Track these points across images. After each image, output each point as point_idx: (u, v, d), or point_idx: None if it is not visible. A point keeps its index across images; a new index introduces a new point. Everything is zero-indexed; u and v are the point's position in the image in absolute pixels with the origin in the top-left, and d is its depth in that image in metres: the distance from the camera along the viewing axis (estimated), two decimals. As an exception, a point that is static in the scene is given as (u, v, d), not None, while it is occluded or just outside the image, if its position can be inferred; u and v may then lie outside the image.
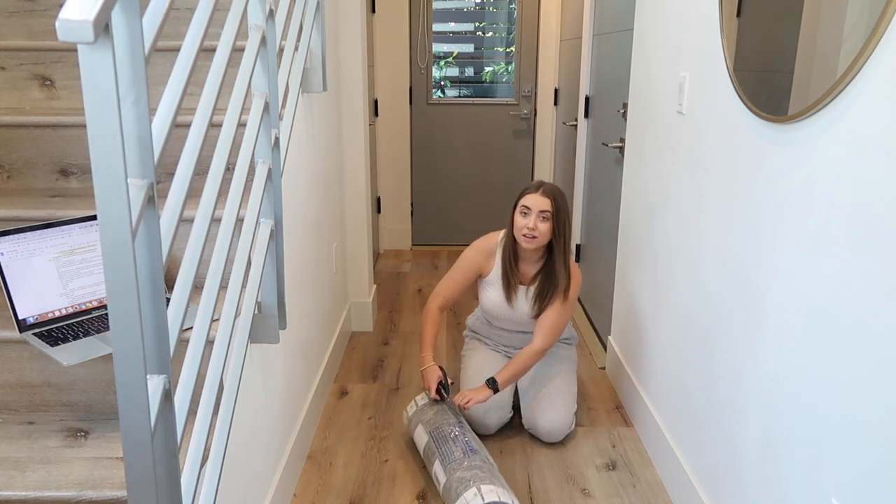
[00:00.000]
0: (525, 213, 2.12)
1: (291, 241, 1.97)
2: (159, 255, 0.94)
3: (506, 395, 2.28)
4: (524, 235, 2.11)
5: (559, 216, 2.11)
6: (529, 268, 2.25)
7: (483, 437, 2.27)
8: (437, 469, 1.94)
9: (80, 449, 1.30)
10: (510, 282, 2.23)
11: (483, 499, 1.76)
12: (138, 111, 0.87)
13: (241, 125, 1.70)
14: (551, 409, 2.20)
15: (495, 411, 2.23)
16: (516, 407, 2.40)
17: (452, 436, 2.01)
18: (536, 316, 2.24)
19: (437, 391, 2.18)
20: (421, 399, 2.23)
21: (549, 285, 2.20)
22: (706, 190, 1.73)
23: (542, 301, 2.21)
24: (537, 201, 2.10)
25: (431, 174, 4.49)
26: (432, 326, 2.29)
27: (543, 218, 2.10)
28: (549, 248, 2.19)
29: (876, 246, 1.04)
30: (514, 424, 2.35)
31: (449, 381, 2.20)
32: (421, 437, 2.09)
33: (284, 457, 1.89)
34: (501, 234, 2.29)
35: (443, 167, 4.48)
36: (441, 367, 2.23)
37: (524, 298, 2.25)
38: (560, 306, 2.20)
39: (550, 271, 2.19)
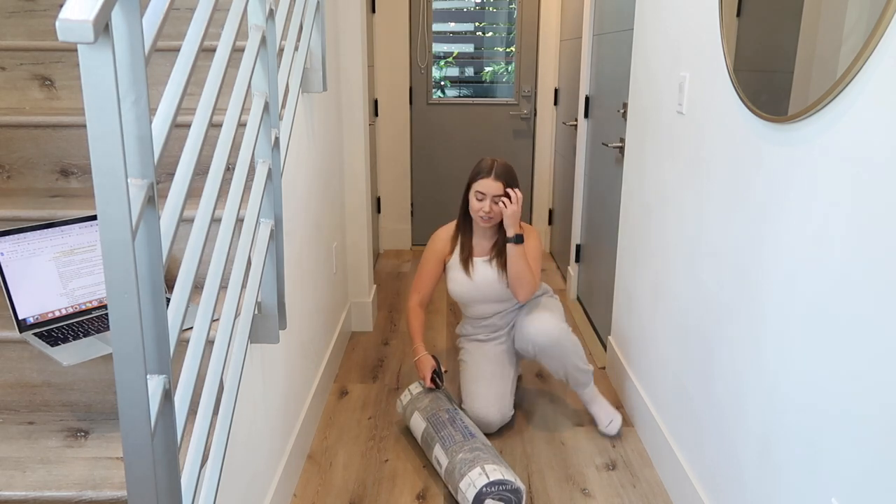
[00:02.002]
0: (480, 198, 2.24)
1: (291, 241, 1.97)
2: (159, 255, 0.94)
3: (507, 390, 2.28)
4: (481, 217, 2.25)
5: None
6: (485, 241, 2.35)
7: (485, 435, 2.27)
8: (438, 452, 1.95)
9: (80, 449, 1.30)
10: (466, 254, 2.34)
11: (488, 477, 1.77)
12: (138, 111, 0.87)
13: (241, 125, 1.70)
14: (540, 318, 2.23)
15: (497, 406, 2.24)
16: (517, 406, 2.40)
17: (451, 420, 2.04)
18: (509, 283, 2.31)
19: (432, 380, 2.22)
20: (415, 388, 2.27)
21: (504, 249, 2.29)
22: (706, 190, 1.73)
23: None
24: (490, 186, 2.23)
25: (431, 174, 4.49)
26: (417, 320, 2.40)
27: (497, 201, 2.23)
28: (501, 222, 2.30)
29: (875, 245, 1.04)
30: (515, 425, 2.35)
31: (443, 369, 2.23)
32: (418, 424, 2.12)
33: (284, 457, 1.89)
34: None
35: (443, 167, 4.47)
36: (434, 357, 2.28)
37: (487, 267, 2.32)
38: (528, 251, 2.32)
39: (505, 242, 2.29)
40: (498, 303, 2.36)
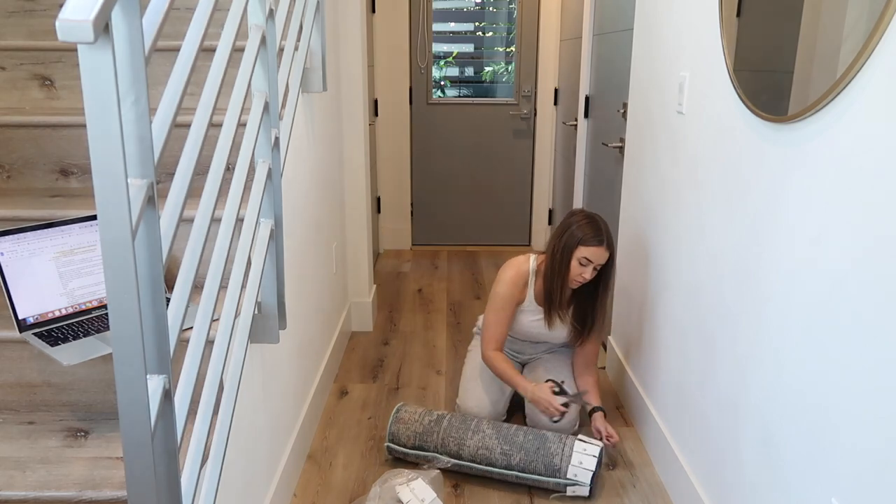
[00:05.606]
0: (585, 263, 2.10)
1: (291, 241, 1.97)
2: (159, 255, 0.94)
3: (504, 396, 2.28)
4: (577, 281, 2.13)
5: (611, 264, 2.16)
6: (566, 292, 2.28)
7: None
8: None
9: (80, 449, 1.30)
10: (552, 311, 2.24)
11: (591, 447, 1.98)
12: (138, 111, 0.87)
13: (241, 125, 1.70)
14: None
15: (490, 410, 2.24)
16: (517, 408, 2.39)
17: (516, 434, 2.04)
18: (574, 341, 2.30)
19: (560, 393, 2.15)
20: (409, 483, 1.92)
21: (586, 314, 2.25)
22: (706, 190, 1.73)
23: (580, 330, 2.27)
24: (599, 255, 2.09)
25: (431, 174, 4.49)
26: (504, 363, 2.22)
27: (597, 268, 2.13)
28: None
29: (876, 245, 1.04)
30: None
31: (561, 381, 2.20)
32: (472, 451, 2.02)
33: (284, 457, 1.89)
34: (530, 260, 2.27)
35: (443, 167, 4.47)
36: (548, 380, 2.19)
37: (561, 322, 2.29)
38: (595, 341, 2.31)
39: (584, 301, 2.24)
40: (549, 348, 2.38)
